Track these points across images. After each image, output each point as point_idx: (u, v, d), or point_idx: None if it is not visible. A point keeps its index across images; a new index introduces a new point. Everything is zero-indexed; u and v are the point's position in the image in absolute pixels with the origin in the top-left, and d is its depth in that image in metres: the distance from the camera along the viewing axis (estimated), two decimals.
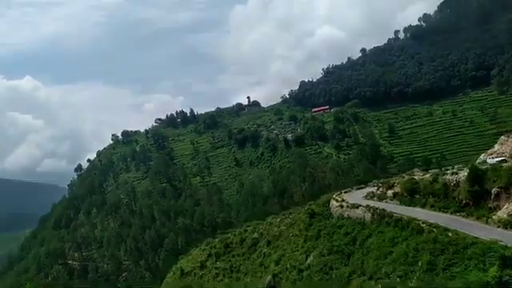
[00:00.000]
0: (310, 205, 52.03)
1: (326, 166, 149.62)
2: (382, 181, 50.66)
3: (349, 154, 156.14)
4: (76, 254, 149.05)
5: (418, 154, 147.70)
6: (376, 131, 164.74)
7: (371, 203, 38.26)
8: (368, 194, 44.03)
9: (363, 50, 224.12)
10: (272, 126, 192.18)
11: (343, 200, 42.31)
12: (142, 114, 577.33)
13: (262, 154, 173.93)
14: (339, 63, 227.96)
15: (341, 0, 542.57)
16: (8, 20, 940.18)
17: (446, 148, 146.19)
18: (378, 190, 43.28)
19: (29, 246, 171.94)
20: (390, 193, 39.39)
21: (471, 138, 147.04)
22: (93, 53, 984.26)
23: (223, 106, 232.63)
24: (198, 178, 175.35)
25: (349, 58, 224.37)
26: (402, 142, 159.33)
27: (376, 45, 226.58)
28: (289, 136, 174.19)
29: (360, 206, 37.88)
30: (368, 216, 35.75)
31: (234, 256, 55.77)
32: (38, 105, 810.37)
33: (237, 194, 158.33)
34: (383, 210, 34.43)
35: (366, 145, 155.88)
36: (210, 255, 60.46)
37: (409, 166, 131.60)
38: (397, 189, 38.71)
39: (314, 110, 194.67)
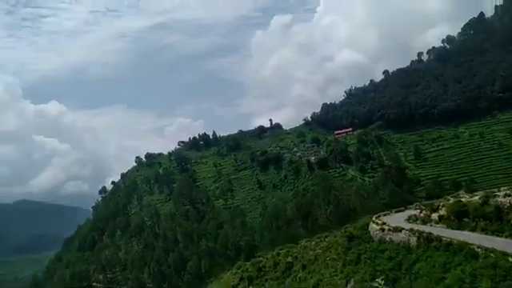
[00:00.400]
0: (347, 228, 50.88)
1: (350, 188, 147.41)
2: (424, 203, 49.29)
3: (373, 176, 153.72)
4: (100, 277, 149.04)
5: (445, 177, 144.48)
6: (401, 154, 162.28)
7: (415, 226, 37.10)
8: (410, 216, 42.79)
9: (386, 72, 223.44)
10: (295, 149, 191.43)
11: (384, 223, 41.19)
12: (163, 138, 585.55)
13: (285, 177, 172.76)
14: (361, 85, 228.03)
15: (360, 24, 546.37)
16: (36, 47, 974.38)
17: (475, 171, 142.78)
18: (420, 212, 42.05)
19: (54, 267, 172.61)
20: (434, 216, 38.20)
21: (500, 160, 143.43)
22: (116, 78, 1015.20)
23: (243, 129, 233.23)
24: (220, 200, 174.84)
25: (371, 81, 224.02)
26: (428, 164, 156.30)
27: (399, 67, 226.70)
28: (312, 158, 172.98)
29: (403, 229, 36.76)
30: (413, 240, 34.62)
31: (267, 280, 54.64)
32: (63, 129, 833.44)
33: (260, 217, 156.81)
34: (430, 233, 33.29)
35: (392, 167, 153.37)
36: (242, 279, 59.47)
37: (437, 190, 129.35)
38: (442, 212, 37.51)
39: (336, 132, 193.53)
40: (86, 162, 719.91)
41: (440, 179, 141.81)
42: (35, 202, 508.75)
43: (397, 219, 43.93)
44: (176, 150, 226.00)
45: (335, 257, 44.25)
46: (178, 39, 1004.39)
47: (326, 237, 56.22)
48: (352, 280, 38.35)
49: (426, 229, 35.85)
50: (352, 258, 40.70)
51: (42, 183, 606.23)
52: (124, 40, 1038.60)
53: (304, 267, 49.74)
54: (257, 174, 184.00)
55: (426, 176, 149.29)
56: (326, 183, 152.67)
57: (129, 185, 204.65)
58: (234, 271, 66.78)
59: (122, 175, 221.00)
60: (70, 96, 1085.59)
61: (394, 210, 56.39)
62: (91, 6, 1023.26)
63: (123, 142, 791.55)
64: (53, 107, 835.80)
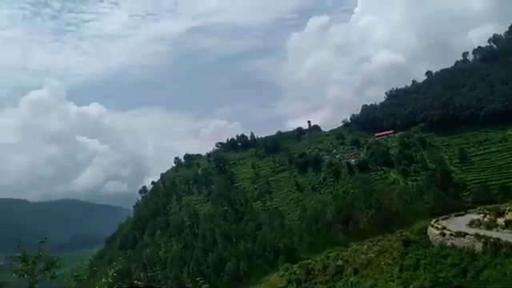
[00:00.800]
0: (402, 232, 49.21)
1: (392, 192, 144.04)
2: (488, 207, 47.07)
3: (416, 180, 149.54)
4: (142, 274, 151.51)
5: (492, 181, 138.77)
6: (446, 157, 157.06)
7: (479, 232, 35.29)
8: (472, 221, 40.85)
9: (429, 73, 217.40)
10: (334, 151, 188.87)
11: (444, 228, 39.44)
12: (199, 139, 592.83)
13: (324, 179, 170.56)
14: (402, 86, 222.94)
15: (398, 24, 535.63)
16: (80, 51, 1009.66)
17: None
18: (484, 217, 40.08)
19: (96, 265, 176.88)
20: (500, 221, 36.28)
21: None
22: (154, 81, 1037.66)
23: (277, 131, 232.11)
24: (258, 202, 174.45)
25: (413, 81, 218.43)
26: (474, 168, 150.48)
27: (440, 67, 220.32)
28: (352, 161, 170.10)
29: (467, 234, 35.06)
30: (479, 246, 32.92)
31: (316, 284, 53.66)
32: (104, 130, 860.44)
33: (299, 220, 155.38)
34: (498, 239, 31.54)
35: (436, 171, 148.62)
36: (290, 281, 58.70)
37: (485, 195, 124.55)
38: (509, 216, 35.55)
39: (377, 134, 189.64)
40: (125, 162, 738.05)
41: (488, 183, 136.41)
42: (77, 201, 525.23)
43: (458, 224, 42.06)
44: (214, 151, 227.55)
45: (390, 261, 42.83)
46: (215, 42, 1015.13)
47: (378, 240, 54.71)
48: (411, 286, 36.89)
49: (493, 234, 34.03)
50: (410, 263, 39.19)
51: (83, 183, 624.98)
52: (162, 43, 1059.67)
53: (356, 271, 48.42)
54: (295, 176, 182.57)
55: (472, 180, 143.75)
56: (366, 186, 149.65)
57: (168, 185, 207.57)
58: (281, 273, 66.05)
59: (162, 175, 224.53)
60: (110, 98, 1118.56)
61: (453, 214, 54.14)
62: (131, 11, 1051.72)
63: (161, 143, 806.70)
64: (94, 109, 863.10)
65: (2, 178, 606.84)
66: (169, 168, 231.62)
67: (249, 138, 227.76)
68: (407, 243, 43.05)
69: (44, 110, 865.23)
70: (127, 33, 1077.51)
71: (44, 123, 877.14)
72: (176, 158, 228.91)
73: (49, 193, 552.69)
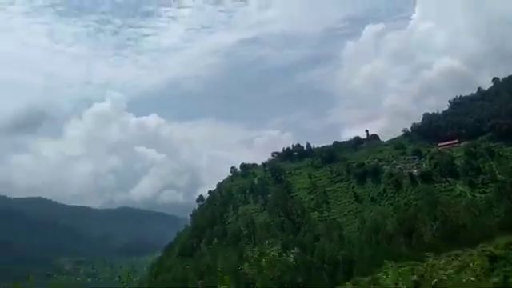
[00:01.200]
0: (484, 246, 45.79)
1: (458, 204, 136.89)
2: None
3: (485, 192, 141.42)
4: (200, 282, 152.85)
5: None
6: None
7: None
8: None
9: (495, 80, 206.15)
10: (394, 161, 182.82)
11: None
12: (252, 149, 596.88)
13: (384, 190, 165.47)
14: (466, 94, 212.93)
15: (458, 31, 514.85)
16: (139, 64, 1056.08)
17: None
18: None
19: (155, 271, 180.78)
20: None
21: None
22: (209, 92, 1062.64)
23: (334, 140, 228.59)
24: (315, 212, 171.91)
25: (479, 89, 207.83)
26: None
27: (506, 74, 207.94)
28: (414, 171, 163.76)
29: None
30: None
31: None
32: (161, 140, 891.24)
33: (358, 231, 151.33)
34: None
35: (506, 182, 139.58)
36: None
37: None
38: None
39: (440, 144, 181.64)
40: (181, 172, 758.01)
41: None
42: (135, 209, 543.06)
43: None
44: (270, 160, 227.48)
45: (473, 279, 39.62)
46: (268, 53, 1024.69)
47: (456, 255, 51.26)
48: None
49: None
50: (498, 281, 36.15)
51: (141, 192, 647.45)
52: (216, 55, 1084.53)
53: None
54: (353, 187, 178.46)
55: None
56: (430, 198, 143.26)
57: (224, 194, 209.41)
58: (349, 286, 63.69)
59: (218, 184, 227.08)
60: (167, 109, 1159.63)
61: None
62: (187, 24, 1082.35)
63: (214, 153, 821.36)
64: (153, 119, 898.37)
65: (69, 187, 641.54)
66: (223, 177, 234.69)
67: (305, 148, 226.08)
68: (493, 259, 39.89)
69: (106, 121, 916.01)
70: (183, 45, 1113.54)
71: (105, 134, 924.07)
72: (232, 168, 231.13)
73: (110, 200, 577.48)
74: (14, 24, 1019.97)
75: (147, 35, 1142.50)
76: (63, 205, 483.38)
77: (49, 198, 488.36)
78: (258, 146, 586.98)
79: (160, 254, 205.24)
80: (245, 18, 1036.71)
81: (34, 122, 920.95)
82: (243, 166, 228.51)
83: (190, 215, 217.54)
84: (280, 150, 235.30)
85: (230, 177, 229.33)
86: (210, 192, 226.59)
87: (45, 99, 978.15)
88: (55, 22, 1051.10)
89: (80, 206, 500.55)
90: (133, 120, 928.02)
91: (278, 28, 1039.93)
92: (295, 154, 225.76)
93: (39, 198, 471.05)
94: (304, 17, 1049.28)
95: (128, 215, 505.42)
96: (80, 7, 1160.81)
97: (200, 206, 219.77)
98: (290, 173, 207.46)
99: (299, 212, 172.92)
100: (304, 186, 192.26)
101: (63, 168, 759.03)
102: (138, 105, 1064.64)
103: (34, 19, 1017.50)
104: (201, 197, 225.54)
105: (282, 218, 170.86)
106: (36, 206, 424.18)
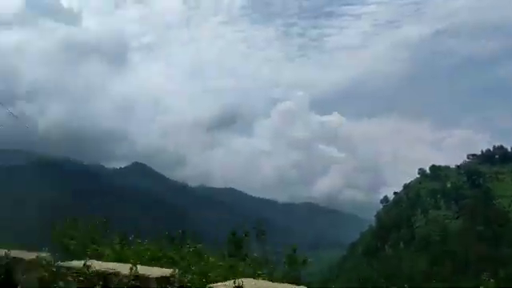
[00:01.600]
0: None
1: None
2: None
3: None
4: (384, 286, 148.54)
5: None
6: None
7: None
8: None
9: None
10: None
11: None
12: (441, 150, 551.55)
13: None
14: None
15: None
16: (322, 64, 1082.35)
17: None
18: None
19: (339, 268, 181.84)
20: None
21: None
22: (393, 88, 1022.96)
23: None
24: None
25: None
26: None
27: None
28: None
29: None
30: None
31: None
32: (342, 138, 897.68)
33: None
34: None
35: None
36: None
37: None
38: None
39: None
40: (362, 170, 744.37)
41: None
42: (316, 205, 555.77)
43: None
44: (465, 163, 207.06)
45: None
46: (461, 43, 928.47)
47: None
48: None
49: None
50: None
51: (322, 188, 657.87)
52: (403, 49, 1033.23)
53: None
54: None
55: None
56: None
57: (412, 196, 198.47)
58: None
59: (405, 186, 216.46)
60: (349, 107, 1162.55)
61: None
62: (372, 20, 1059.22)
63: (398, 152, 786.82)
64: (334, 118, 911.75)
65: (256, 180, 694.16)
66: (407, 178, 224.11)
67: (509, 150, 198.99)
68: None
69: (290, 119, 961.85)
70: (367, 43, 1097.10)
71: (290, 131, 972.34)
72: (420, 169, 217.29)
73: (293, 195, 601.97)
74: (216, 33, 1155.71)
75: (329, 35, 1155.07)
76: (252, 196, 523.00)
77: (240, 189, 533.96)
78: (447, 147, 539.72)
79: (342, 252, 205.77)
80: (434, 9, 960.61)
81: (229, 121, 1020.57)
82: (433, 167, 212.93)
83: (375, 216, 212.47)
84: (474, 152, 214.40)
85: (417, 178, 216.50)
86: (395, 193, 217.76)
87: (239, 100, 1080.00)
88: (249, 30, 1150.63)
89: (267, 199, 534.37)
90: (315, 118, 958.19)
91: (472, 16, 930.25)
92: (496, 156, 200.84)
93: (232, 189, 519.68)
94: (504, 1, 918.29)
95: (310, 211, 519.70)
96: (270, 13, 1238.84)
97: (384, 206, 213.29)
98: (491, 177, 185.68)
99: (502, 222, 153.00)
100: (508, 194, 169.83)
101: (252, 162, 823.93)
102: (321, 103, 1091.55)
103: (231, 27, 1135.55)
104: (385, 198, 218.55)
105: (480, 228, 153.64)
106: (230, 197, 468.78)
